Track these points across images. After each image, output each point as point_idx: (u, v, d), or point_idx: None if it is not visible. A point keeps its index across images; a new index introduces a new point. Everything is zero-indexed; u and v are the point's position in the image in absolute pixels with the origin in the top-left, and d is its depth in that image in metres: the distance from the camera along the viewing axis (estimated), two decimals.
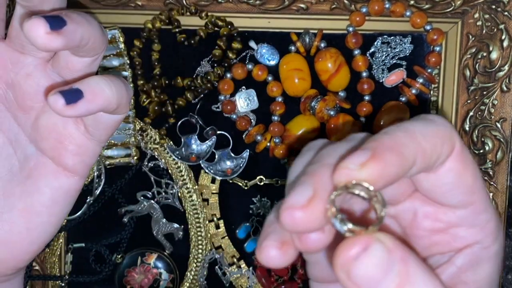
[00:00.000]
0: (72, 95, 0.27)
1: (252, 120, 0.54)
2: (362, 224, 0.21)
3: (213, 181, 0.56)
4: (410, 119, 0.25)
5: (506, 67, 0.52)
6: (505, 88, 0.52)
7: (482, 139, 0.53)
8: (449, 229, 0.27)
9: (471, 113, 0.53)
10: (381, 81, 0.54)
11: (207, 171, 0.55)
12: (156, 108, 0.54)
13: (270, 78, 0.53)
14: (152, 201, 0.56)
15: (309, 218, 0.21)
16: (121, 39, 0.53)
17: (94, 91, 0.28)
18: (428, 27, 0.52)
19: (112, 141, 0.54)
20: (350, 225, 0.21)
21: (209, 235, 0.56)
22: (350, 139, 0.26)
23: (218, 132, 0.55)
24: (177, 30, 0.53)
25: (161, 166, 0.55)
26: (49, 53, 0.31)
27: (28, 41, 0.27)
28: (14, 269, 0.34)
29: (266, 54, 0.53)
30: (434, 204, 0.27)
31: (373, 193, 0.21)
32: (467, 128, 0.53)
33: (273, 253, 0.22)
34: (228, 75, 0.53)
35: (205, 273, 0.56)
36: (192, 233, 0.56)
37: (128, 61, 0.53)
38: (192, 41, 0.53)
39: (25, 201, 0.32)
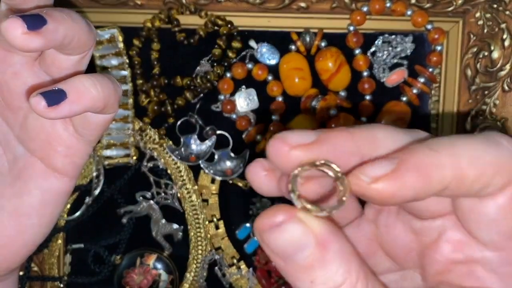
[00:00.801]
0: (55, 96, 0.27)
1: (252, 120, 0.54)
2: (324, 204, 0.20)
3: (212, 181, 0.56)
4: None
5: (508, 67, 0.52)
6: (506, 88, 0.52)
7: None
8: (468, 264, 0.24)
9: (472, 113, 0.53)
10: (382, 80, 0.54)
11: (206, 171, 0.55)
12: (156, 107, 0.53)
13: (270, 78, 0.53)
14: (152, 202, 0.56)
15: (286, 160, 0.20)
16: (120, 38, 0.53)
17: (78, 91, 0.27)
18: (429, 26, 0.52)
19: (111, 141, 0.54)
20: (304, 203, 0.20)
21: (208, 235, 0.56)
22: (411, 132, 0.22)
23: (218, 132, 0.55)
24: (176, 29, 0.53)
25: (161, 167, 0.55)
26: (36, 52, 0.31)
27: None
28: (6, 271, 0.34)
29: (266, 54, 0.53)
30: (464, 231, 0.23)
31: (340, 175, 0.20)
32: (468, 128, 0.53)
33: (260, 172, 0.22)
34: (228, 75, 0.53)
35: (204, 274, 0.56)
36: (192, 233, 0.56)
37: (127, 61, 0.53)
38: (192, 40, 0.53)
39: (14, 202, 0.32)
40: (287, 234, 0.20)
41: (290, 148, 0.20)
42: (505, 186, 0.21)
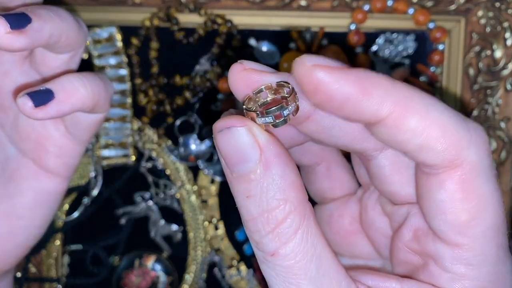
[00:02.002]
0: (42, 97, 0.26)
1: None
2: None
3: (212, 182, 0.55)
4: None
5: (510, 66, 0.52)
6: (509, 87, 0.52)
7: None
8: (423, 256, 0.23)
9: (474, 113, 0.53)
10: None
11: (206, 171, 0.55)
12: (154, 107, 0.53)
13: None
14: (150, 202, 0.55)
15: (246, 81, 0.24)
16: (119, 37, 0.52)
17: (67, 91, 0.27)
18: (431, 25, 0.52)
19: (109, 141, 0.54)
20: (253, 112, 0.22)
21: (208, 237, 0.56)
22: None
23: None
24: (175, 28, 0.52)
25: (159, 167, 0.55)
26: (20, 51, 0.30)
27: None
28: (0, 272, 0.33)
29: (266, 52, 0.53)
30: (424, 221, 0.23)
31: (291, 90, 0.22)
32: None
33: (239, 67, 0.24)
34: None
35: (204, 275, 0.56)
36: (191, 235, 0.56)
37: (125, 60, 0.53)
38: (191, 39, 0.52)
39: (6, 203, 0.32)
40: (234, 139, 0.21)
41: (248, 71, 0.23)
42: (451, 165, 0.21)
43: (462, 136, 0.21)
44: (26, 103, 0.26)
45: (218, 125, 0.22)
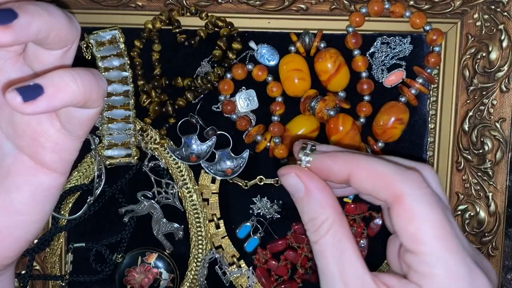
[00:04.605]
0: (31, 91, 0.26)
1: (252, 120, 0.54)
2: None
3: (213, 181, 0.56)
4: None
5: (506, 67, 0.52)
6: (504, 88, 0.53)
7: (482, 139, 0.53)
8: (407, 265, 0.31)
9: (470, 113, 0.53)
10: (380, 81, 0.54)
11: (207, 171, 0.55)
12: (157, 108, 0.54)
13: (270, 78, 0.53)
14: (153, 201, 0.56)
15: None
16: (122, 40, 0.53)
17: (56, 86, 0.27)
18: (427, 28, 0.52)
19: (113, 141, 0.54)
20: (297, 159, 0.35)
21: (209, 234, 0.56)
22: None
23: (218, 132, 0.55)
24: (177, 30, 0.53)
25: (162, 166, 0.56)
26: (20, 46, 0.30)
27: None
28: (0, 267, 0.33)
29: (266, 55, 0.53)
30: None
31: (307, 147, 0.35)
32: (466, 128, 0.53)
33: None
34: (228, 76, 0.53)
35: (205, 272, 0.56)
36: (192, 233, 0.56)
37: (128, 62, 0.53)
38: (192, 42, 0.53)
39: (4, 199, 0.31)
40: (289, 180, 0.33)
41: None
42: (395, 199, 0.30)
43: (398, 179, 0.30)
44: (15, 98, 0.26)
45: (280, 172, 0.34)
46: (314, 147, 0.35)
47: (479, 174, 0.54)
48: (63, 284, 0.57)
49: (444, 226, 0.29)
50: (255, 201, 0.56)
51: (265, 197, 0.56)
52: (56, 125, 0.31)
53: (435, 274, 0.29)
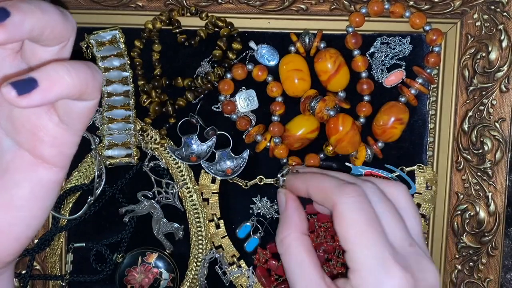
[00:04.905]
0: (25, 85, 0.26)
1: (252, 120, 0.54)
2: None
3: (213, 181, 0.56)
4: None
5: (505, 68, 0.52)
6: (504, 89, 0.53)
7: (481, 139, 0.53)
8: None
9: (470, 113, 0.53)
10: (380, 81, 0.54)
11: (207, 171, 0.55)
12: (157, 108, 0.54)
13: (270, 79, 0.53)
14: (153, 201, 0.56)
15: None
16: (122, 40, 0.53)
17: (50, 79, 0.27)
18: (427, 28, 0.52)
19: (113, 141, 0.54)
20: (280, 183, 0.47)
21: (209, 234, 0.56)
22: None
23: (218, 132, 0.55)
24: (177, 30, 0.53)
25: (162, 166, 0.56)
26: (17, 44, 0.30)
27: None
28: (1, 264, 0.33)
29: (266, 55, 0.53)
30: None
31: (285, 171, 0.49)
32: (466, 128, 0.53)
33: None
34: (228, 76, 0.53)
35: (205, 272, 0.57)
36: (193, 232, 0.56)
37: (128, 62, 0.53)
38: (193, 42, 0.53)
39: (4, 196, 0.31)
40: (279, 197, 0.42)
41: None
42: (334, 207, 0.36)
43: (335, 191, 0.36)
44: (9, 91, 0.26)
45: (278, 190, 0.43)
46: (288, 171, 0.48)
47: (478, 174, 0.54)
48: (63, 284, 0.57)
49: (368, 227, 0.34)
50: (255, 201, 0.56)
51: (265, 197, 0.56)
52: (54, 119, 0.31)
53: (356, 269, 0.34)
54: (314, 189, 0.39)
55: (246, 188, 0.56)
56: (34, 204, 0.32)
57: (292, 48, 0.53)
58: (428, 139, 0.55)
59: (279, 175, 0.46)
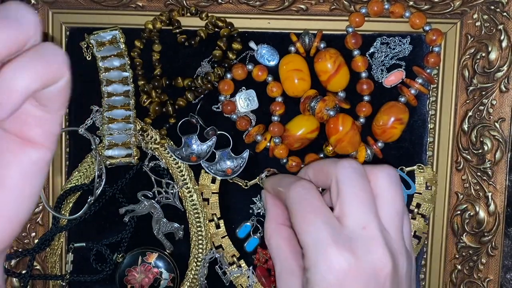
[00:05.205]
0: None
1: (252, 120, 0.54)
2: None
3: (213, 181, 0.56)
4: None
5: (505, 68, 0.52)
6: (504, 89, 0.53)
7: (481, 139, 0.53)
8: None
9: (470, 113, 0.53)
10: (380, 81, 0.54)
11: (207, 171, 0.55)
12: (157, 108, 0.54)
13: (270, 79, 0.53)
14: (153, 201, 0.56)
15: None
16: (122, 40, 0.53)
17: (4, 92, 0.26)
18: (427, 28, 0.52)
19: (113, 141, 0.54)
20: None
21: (209, 234, 0.57)
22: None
23: (218, 132, 0.55)
24: (177, 30, 0.53)
25: (162, 166, 0.56)
26: None
27: None
28: None
29: (266, 55, 0.53)
30: None
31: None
32: (466, 128, 0.53)
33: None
34: (228, 76, 0.53)
35: (205, 272, 0.57)
36: (193, 232, 0.56)
37: (128, 62, 0.53)
38: (193, 42, 0.53)
39: None
40: (263, 197, 0.47)
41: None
42: (332, 182, 0.39)
43: (330, 168, 0.40)
44: None
45: (261, 192, 0.50)
46: (267, 175, 0.54)
47: (478, 174, 0.54)
48: (64, 283, 0.57)
49: (308, 213, 0.38)
50: (255, 201, 0.56)
51: None
52: (32, 102, 0.31)
53: (304, 252, 0.38)
54: (311, 172, 0.44)
55: (246, 188, 0.56)
56: (25, 184, 0.33)
57: (292, 48, 0.53)
58: (428, 139, 0.55)
59: (258, 178, 0.54)
